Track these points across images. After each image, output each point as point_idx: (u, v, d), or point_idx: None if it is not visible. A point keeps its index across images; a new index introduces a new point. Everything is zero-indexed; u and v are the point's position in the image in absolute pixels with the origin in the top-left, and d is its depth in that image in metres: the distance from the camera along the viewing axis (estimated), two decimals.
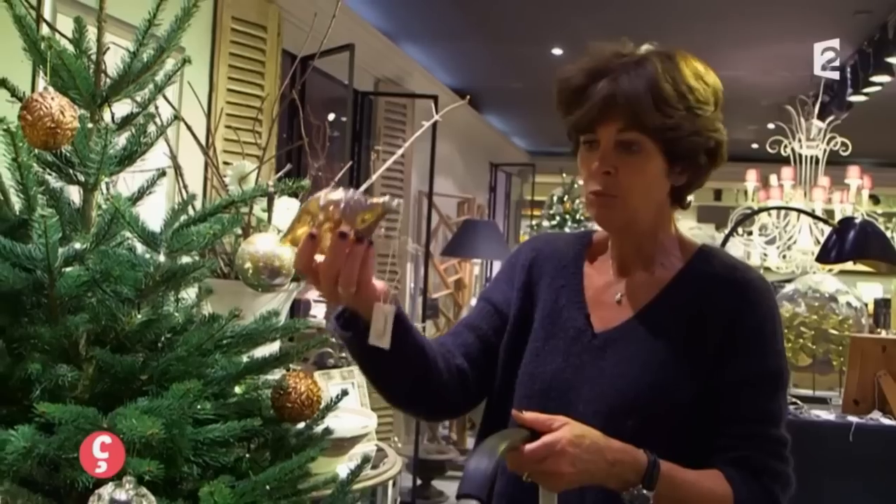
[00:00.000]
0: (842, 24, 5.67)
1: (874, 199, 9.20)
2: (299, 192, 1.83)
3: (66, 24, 1.52)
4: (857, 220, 3.42)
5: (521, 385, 1.58)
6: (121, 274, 1.34)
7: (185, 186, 2.17)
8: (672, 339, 1.50)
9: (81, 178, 1.42)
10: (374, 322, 1.38)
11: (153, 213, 1.45)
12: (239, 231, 1.98)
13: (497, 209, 12.45)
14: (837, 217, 5.37)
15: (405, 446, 5.89)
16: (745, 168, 6.53)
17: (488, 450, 1.27)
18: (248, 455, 1.46)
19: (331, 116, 5.93)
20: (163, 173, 1.60)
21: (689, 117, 1.46)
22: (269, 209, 1.76)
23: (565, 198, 11.41)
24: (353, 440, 2.49)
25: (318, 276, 1.33)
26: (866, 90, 6.41)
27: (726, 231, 4.10)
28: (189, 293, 1.54)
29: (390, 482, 2.96)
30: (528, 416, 1.37)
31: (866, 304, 4.35)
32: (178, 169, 2.20)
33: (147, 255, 1.39)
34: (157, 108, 1.54)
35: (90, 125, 1.43)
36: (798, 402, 3.30)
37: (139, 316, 1.35)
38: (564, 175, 11.47)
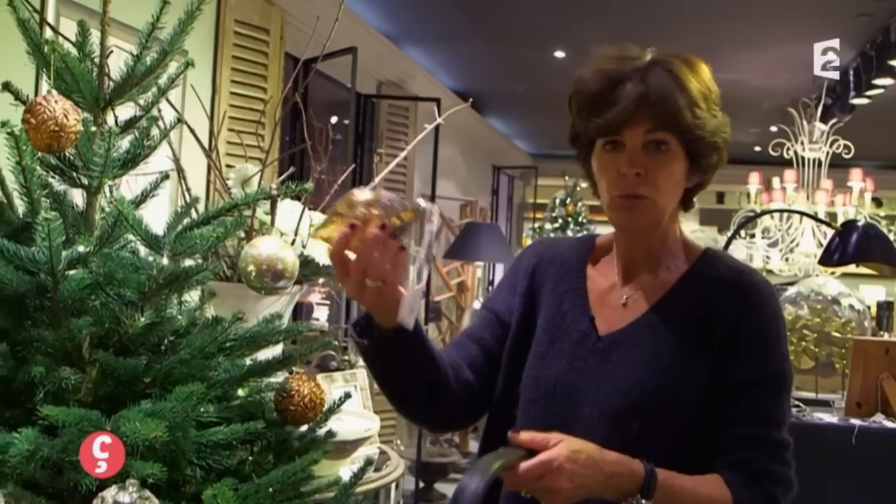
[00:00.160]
0: (844, 27, 5.67)
1: (877, 202, 9.20)
2: (302, 195, 1.84)
3: (69, 28, 1.52)
4: (860, 223, 3.42)
5: (526, 389, 1.58)
6: (124, 277, 1.34)
7: (188, 189, 2.17)
8: (677, 341, 1.50)
9: (85, 181, 1.43)
10: (405, 299, 1.40)
11: (156, 216, 1.45)
12: (242, 234, 1.98)
13: (499, 212, 12.45)
14: (840, 220, 5.36)
15: (408, 449, 5.89)
16: (747, 171, 6.54)
17: (481, 468, 1.28)
18: (251, 458, 1.46)
19: (333, 119, 5.93)
20: (166, 176, 1.61)
21: (709, 118, 1.48)
22: (272, 212, 1.76)
23: (568, 200, 11.41)
24: (356, 443, 2.49)
25: (347, 267, 1.35)
26: (869, 93, 6.42)
27: (729, 234, 4.10)
28: (192, 296, 1.54)
29: (393, 485, 2.96)
30: (525, 436, 1.37)
31: (869, 307, 4.34)
32: (181, 172, 2.20)
33: (150, 258, 1.39)
34: (160, 111, 1.54)
35: (93, 128, 1.43)
36: (801, 404, 3.30)
37: (142, 319, 1.35)
38: (567, 178, 11.48)
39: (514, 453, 1.35)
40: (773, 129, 6.69)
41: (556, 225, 11.30)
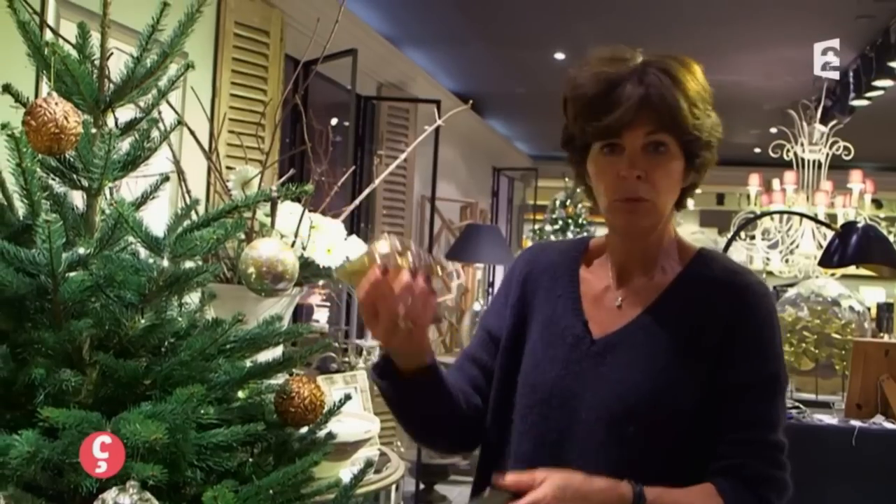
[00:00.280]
0: (844, 28, 5.67)
1: (877, 204, 9.20)
2: (302, 197, 1.84)
3: (69, 30, 1.52)
4: (860, 225, 3.42)
5: (523, 396, 1.58)
6: (124, 279, 1.34)
7: (189, 191, 2.17)
8: (671, 343, 1.50)
9: (85, 183, 1.43)
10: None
11: (156, 217, 1.45)
12: (242, 236, 1.98)
13: (500, 213, 12.46)
14: (840, 221, 5.36)
15: (408, 451, 5.89)
16: (747, 172, 6.54)
17: None
18: (251, 459, 1.46)
19: (334, 121, 5.93)
20: (166, 178, 1.61)
21: (706, 117, 1.50)
22: (273, 214, 1.76)
23: (568, 202, 11.41)
24: (357, 444, 2.50)
25: (376, 311, 1.39)
26: (868, 94, 6.42)
27: (729, 235, 4.10)
28: (192, 298, 1.54)
29: (393, 486, 2.96)
30: (510, 479, 1.38)
31: (869, 309, 4.35)
32: (181, 174, 2.20)
33: (150, 260, 1.40)
34: (160, 113, 1.54)
35: (94, 130, 1.43)
36: (801, 406, 3.30)
37: (142, 321, 1.35)
38: (567, 179, 11.46)
39: (500, 497, 1.37)
40: (773, 130, 6.70)
41: (557, 227, 11.31)
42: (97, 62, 1.46)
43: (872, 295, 10.64)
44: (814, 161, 6.21)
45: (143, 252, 1.43)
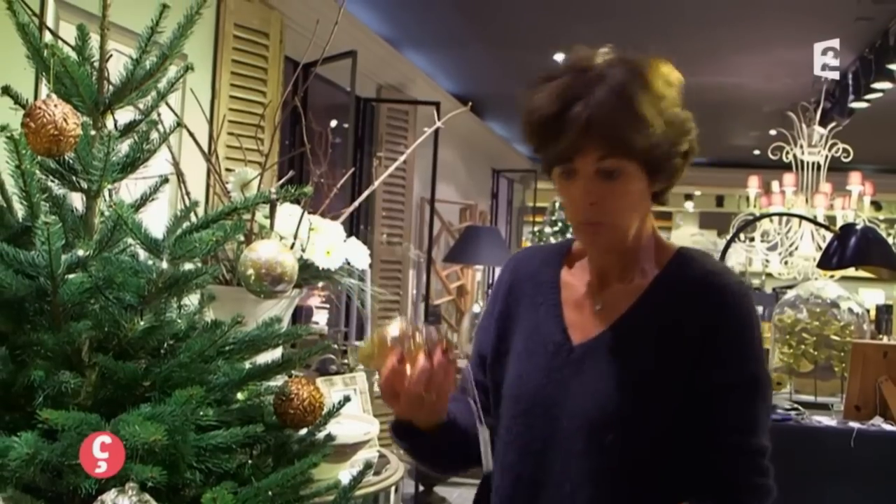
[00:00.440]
0: (843, 30, 5.67)
1: (876, 206, 9.21)
2: (301, 199, 1.84)
3: (68, 32, 1.52)
4: (859, 227, 3.42)
5: (507, 407, 1.58)
6: (123, 280, 1.34)
7: (188, 193, 2.18)
8: (649, 349, 1.47)
9: (84, 185, 1.43)
10: (484, 452, 1.54)
11: (156, 219, 1.45)
12: (241, 238, 1.99)
13: (499, 215, 12.46)
14: (839, 223, 5.37)
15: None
16: (746, 174, 6.55)
17: None
18: (250, 461, 1.46)
19: (333, 123, 5.93)
20: (165, 180, 1.61)
21: (665, 131, 1.43)
22: (272, 216, 1.76)
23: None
24: (356, 446, 2.50)
25: (396, 393, 1.44)
26: (868, 97, 6.42)
27: (728, 237, 4.11)
28: (192, 300, 1.54)
29: (392, 488, 2.96)
30: None
31: (868, 311, 4.34)
32: (180, 176, 2.20)
33: (150, 262, 1.40)
34: (159, 115, 1.54)
35: (93, 132, 1.43)
36: (800, 407, 3.30)
37: (142, 322, 1.35)
38: None
39: None
40: (773, 132, 6.70)
41: (556, 228, 11.31)
42: (96, 64, 1.46)
43: (871, 297, 10.65)
44: (813, 163, 6.22)
45: (142, 254, 1.43)
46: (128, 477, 1.21)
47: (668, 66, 1.48)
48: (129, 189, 1.55)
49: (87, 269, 1.34)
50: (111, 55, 1.47)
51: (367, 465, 1.71)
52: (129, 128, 1.49)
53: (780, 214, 6.11)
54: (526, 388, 1.56)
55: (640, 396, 1.45)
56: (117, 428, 1.24)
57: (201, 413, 1.33)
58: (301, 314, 5.45)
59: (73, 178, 1.44)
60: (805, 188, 6.22)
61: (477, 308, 7.25)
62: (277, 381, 1.53)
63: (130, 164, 1.47)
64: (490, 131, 11.03)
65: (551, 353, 1.54)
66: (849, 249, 3.27)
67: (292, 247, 2.01)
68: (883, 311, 7.16)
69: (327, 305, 5.81)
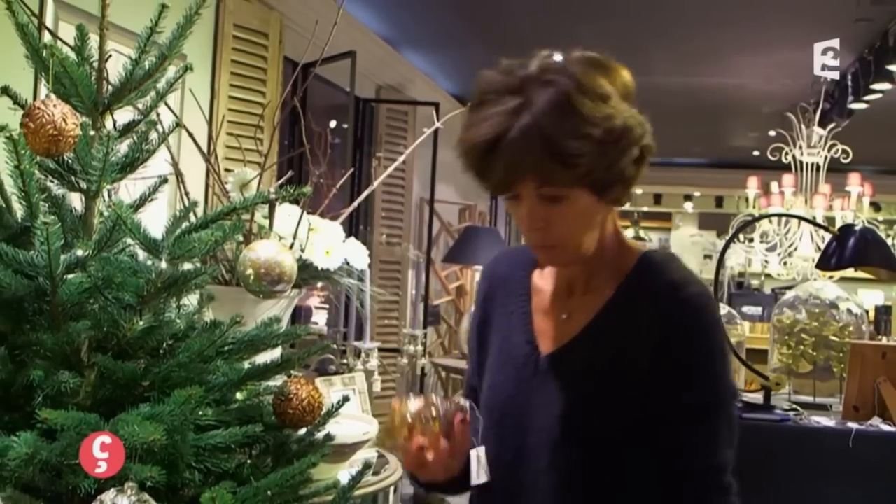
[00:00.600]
0: (843, 31, 5.66)
1: (875, 207, 9.21)
2: (300, 199, 1.84)
3: (68, 32, 1.52)
4: (858, 228, 3.42)
5: (484, 418, 1.56)
6: (123, 281, 1.35)
7: (187, 193, 2.18)
8: (609, 362, 1.43)
9: (83, 185, 1.43)
10: (472, 468, 1.52)
11: (155, 219, 1.45)
12: (240, 238, 1.99)
13: (498, 216, 12.45)
14: (838, 224, 5.37)
15: None
16: (746, 175, 6.54)
17: None
18: (249, 461, 1.46)
19: (332, 123, 5.93)
20: (164, 180, 1.61)
21: (601, 149, 1.33)
22: (271, 216, 1.77)
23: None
24: (355, 446, 2.50)
25: (424, 464, 1.45)
26: (867, 98, 6.42)
27: (727, 238, 4.11)
28: (191, 300, 1.54)
29: (391, 488, 2.97)
30: None
31: (867, 311, 4.35)
32: (179, 176, 2.21)
33: (149, 262, 1.40)
34: (158, 115, 1.55)
35: (92, 132, 1.43)
36: (798, 408, 3.30)
37: (141, 322, 1.36)
38: None
39: None
40: (772, 133, 6.70)
41: None
42: (95, 64, 1.46)
43: (870, 298, 10.65)
44: (812, 164, 6.22)
45: (141, 254, 1.44)
46: (127, 476, 1.21)
47: (607, 71, 1.39)
48: (129, 189, 1.55)
49: (87, 269, 1.35)
50: (110, 55, 1.47)
51: (366, 465, 1.71)
52: (128, 128, 1.50)
53: (780, 215, 6.11)
54: (497, 398, 1.55)
55: (598, 412, 1.42)
56: (116, 428, 1.24)
57: (200, 413, 1.34)
58: (300, 314, 5.45)
59: (73, 178, 1.44)
60: (804, 189, 6.22)
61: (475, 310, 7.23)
62: (276, 381, 1.53)
63: (129, 165, 1.48)
64: None
65: (520, 364, 1.52)
66: (848, 250, 3.27)
67: (291, 247, 2.02)
68: (882, 311, 7.17)
69: (326, 306, 5.81)
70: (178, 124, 1.71)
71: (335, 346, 4.01)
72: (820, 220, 5.65)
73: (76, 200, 1.48)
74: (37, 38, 1.41)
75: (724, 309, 3.84)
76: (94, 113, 1.44)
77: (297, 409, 1.48)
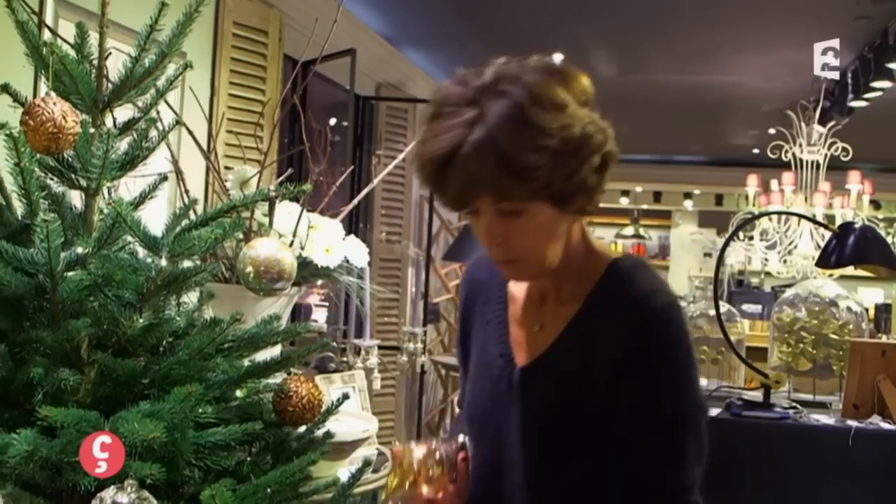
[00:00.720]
0: (842, 29, 5.66)
1: (875, 205, 9.21)
2: (300, 197, 1.84)
3: (67, 30, 1.52)
4: (858, 225, 3.42)
5: (468, 428, 1.55)
6: (122, 278, 1.35)
7: (187, 191, 2.18)
8: (580, 376, 1.40)
9: (83, 182, 1.43)
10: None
11: (155, 217, 1.46)
12: (240, 235, 1.99)
13: None
14: (838, 222, 5.37)
15: None
16: (745, 173, 6.54)
17: None
18: (249, 458, 1.46)
19: (332, 121, 5.93)
20: (164, 178, 1.61)
21: (558, 160, 1.28)
22: (271, 214, 1.77)
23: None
24: (355, 444, 2.50)
25: None
26: (867, 96, 6.41)
27: (727, 236, 4.11)
28: (190, 297, 1.55)
29: None
30: None
31: (867, 309, 4.34)
32: (179, 173, 2.21)
33: (149, 260, 1.40)
34: (158, 112, 1.55)
35: (92, 130, 1.43)
36: (798, 406, 3.31)
37: (141, 320, 1.36)
38: None
39: None
40: (772, 131, 6.70)
41: None
42: (95, 62, 1.46)
43: (870, 296, 10.65)
44: (812, 162, 6.22)
45: (141, 251, 1.44)
46: (127, 474, 1.21)
47: (564, 77, 1.35)
48: (128, 187, 1.55)
49: (87, 266, 1.35)
50: (110, 53, 1.48)
51: (366, 463, 1.71)
52: (128, 126, 1.50)
53: (779, 213, 6.11)
54: (476, 410, 1.54)
55: (570, 428, 1.40)
56: (116, 425, 1.24)
57: (200, 410, 1.34)
58: (300, 312, 5.45)
59: (73, 175, 1.44)
60: (804, 187, 6.22)
61: None
62: (276, 379, 1.53)
63: (129, 162, 1.48)
64: None
65: (496, 377, 1.50)
66: (847, 248, 3.27)
67: (291, 245, 2.01)
68: (881, 309, 7.17)
69: (326, 303, 5.81)
70: (178, 122, 1.71)
71: (335, 343, 4.01)
72: (820, 218, 5.65)
73: (76, 198, 1.48)
74: (37, 36, 1.42)
75: (724, 307, 3.84)
76: (94, 111, 1.44)
77: (296, 406, 1.49)
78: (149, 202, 1.56)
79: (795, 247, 6.23)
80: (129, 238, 1.42)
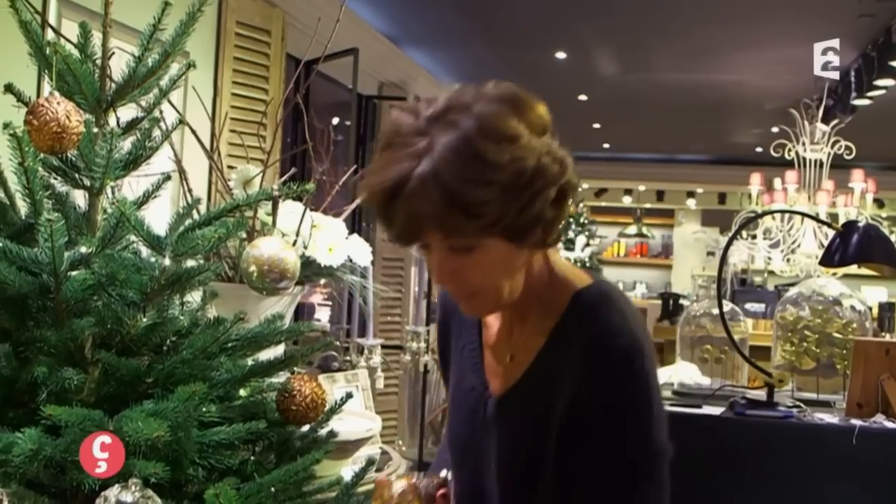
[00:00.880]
0: (846, 28, 5.67)
1: (878, 203, 9.20)
2: (303, 196, 1.84)
3: (71, 30, 1.52)
4: (861, 224, 3.41)
5: (450, 455, 1.54)
6: (126, 277, 1.35)
7: (190, 190, 2.18)
8: (545, 412, 1.35)
9: (87, 182, 1.43)
10: None
11: (158, 216, 1.46)
12: (244, 235, 1.99)
13: None
14: (841, 221, 5.36)
15: (409, 449, 5.89)
16: (749, 172, 6.53)
17: None
18: (253, 457, 1.46)
19: (335, 120, 5.94)
20: (168, 177, 1.61)
21: (509, 195, 1.22)
22: (274, 213, 1.77)
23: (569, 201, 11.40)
24: (358, 443, 2.50)
25: None
26: (870, 94, 6.41)
27: (730, 235, 4.11)
28: (194, 296, 1.55)
29: None
30: None
31: (870, 308, 4.33)
32: (182, 173, 2.21)
33: (152, 259, 1.40)
34: (161, 112, 1.55)
35: (95, 130, 1.43)
36: (802, 405, 3.30)
37: (144, 319, 1.36)
38: None
39: None
40: (775, 129, 6.70)
41: None
42: (99, 61, 1.46)
43: (874, 294, 10.64)
44: (815, 160, 6.21)
45: (144, 251, 1.44)
46: (131, 473, 1.21)
47: (518, 107, 1.26)
48: (132, 186, 1.55)
49: (90, 266, 1.35)
50: (113, 52, 1.48)
51: (370, 462, 1.71)
52: (131, 125, 1.50)
53: (783, 212, 6.10)
54: (456, 438, 1.51)
55: (537, 463, 1.36)
56: (120, 424, 1.25)
57: (204, 409, 1.34)
58: (303, 311, 5.46)
59: (76, 175, 1.45)
60: (807, 185, 6.21)
61: None
62: (280, 378, 1.53)
63: (133, 162, 1.48)
64: None
65: (473, 406, 1.46)
66: (851, 247, 3.26)
67: (294, 244, 2.02)
68: (885, 308, 7.15)
69: (329, 302, 5.81)
70: (181, 121, 1.71)
71: (338, 342, 4.01)
72: (823, 217, 5.65)
73: (80, 197, 1.48)
74: (40, 36, 1.42)
75: (727, 306, 3.84)
76: (98, 110, 1.45)
77: (300, 405, 1.49)
78: (152, 202, 1.56)
79: (799, 245, 6.22)
80: (133, 237, 1.42)
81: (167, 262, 1.36)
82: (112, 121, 1.47)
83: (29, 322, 1.35)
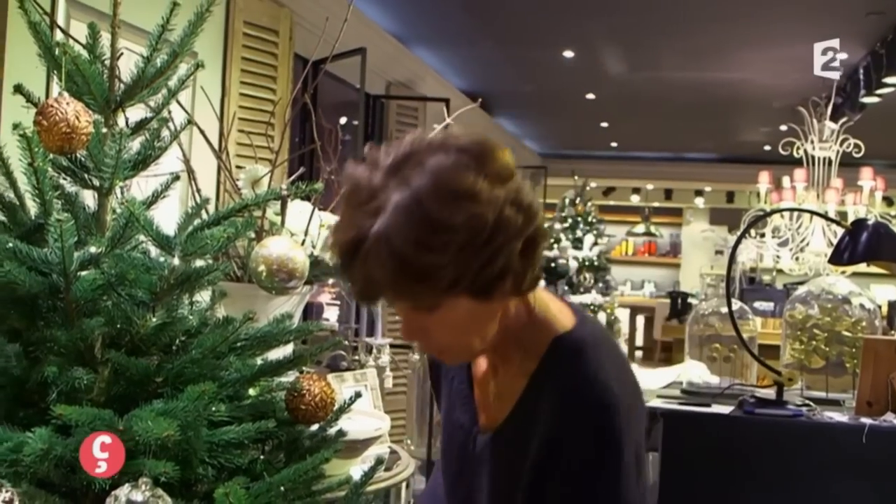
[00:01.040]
0: (854, 25, 5.66)
1: (887, 201, 9.17)
2: (312, 196, 1.84)
3: (79, 30, 1.53)
4: (870, 222, 3.40)
5: (443, 482, 1.52)
6: (136, 277, 1.35)
7: (199, 190, 2.18)
8: (515, 463, 1.32)
9: (96, 182, 1.44)
10: None
11: (167, 216, 1.46)
12: (252, 234, 1.99)
13: None
14: (850, 219, 5.35)
15: (418, 448, 5.89)
16: (757, 170, 6.52)
17: None
18: (262, 457, 1.47)
19: (343, 120, 5.94)
20: (176, 177, 1.62)
21: (467, 254, 1.15)
22: (283, 212, 1.77)
23: (577, 200, 11.41)
24: (367, 442, 2.50)
25: None
26: (879, 91, 6.39)
27: (739, 233, 4.10)
28: (203, 296, 1.55)
29: (403, 484, 2.97)
30: None
31: (880, 306, 4.32)
32: (191, 173, 2.21)
33: (161, 259, 1.40)
34: (170, 112, 1.55)
35: (105, 130, 1.44)
36: (811, 403, 3.29)
37: (154, 319, 1.36)
38: (576, 177, 11.47)
39: None
40: (783, 127, 6.68)
41: (566, 225, 11.30)
42: (107, 62, 1.47)
43: (883, 293, 10.61)
44: (824, 158, 6.19)
45: (154, 251, 1.44)
46: (141, 472, 1.22)
47: (479, 158, 1.17)
48: (141, 186, 1.56)
49: (100, 265, 1.35)
50: (122, 53, 1.48)
51: (379, 461, 1.71)
52: (140, 125, 1.50)
53: (791, 210, 6.09)
54: (447, 469, 1.50)
55: None
56: (130, 424, 1.25)
57: (213, 409, 1.34)
58: (311, 311, 5.46)
59: (86, 175, 1.45)
60: (816, 184, 6.19)
61: None
62: (289, 377, 1.53)
63: (142, 162, 1.48)
64: (499, 128, 11.02)
65: (463, 441, 1.43)
66: (860, 245, 3.25)
67: (303, 243, 2.02)
68: (895, 306, 7.13)
69: (338, 302, 5.82)
70: (190, 121, 1.71)
71: (347, 342, 4.01)
72: (832, 215, 5.63)
73: (89, 198, 1.49)
74: (49, 37, 1.42)
75: (736, 304, 3.83)
76: (107, 110, 1.45)
77: (309, 404, 1.49)
78: (161, 201, 1.56)
79: (808, 244, 6.21)
80: (142, 237, 1.43)
81: (176, 261, 1.37)
82: (121, 121, 1.48)
83: (39, 322, 1.35)
